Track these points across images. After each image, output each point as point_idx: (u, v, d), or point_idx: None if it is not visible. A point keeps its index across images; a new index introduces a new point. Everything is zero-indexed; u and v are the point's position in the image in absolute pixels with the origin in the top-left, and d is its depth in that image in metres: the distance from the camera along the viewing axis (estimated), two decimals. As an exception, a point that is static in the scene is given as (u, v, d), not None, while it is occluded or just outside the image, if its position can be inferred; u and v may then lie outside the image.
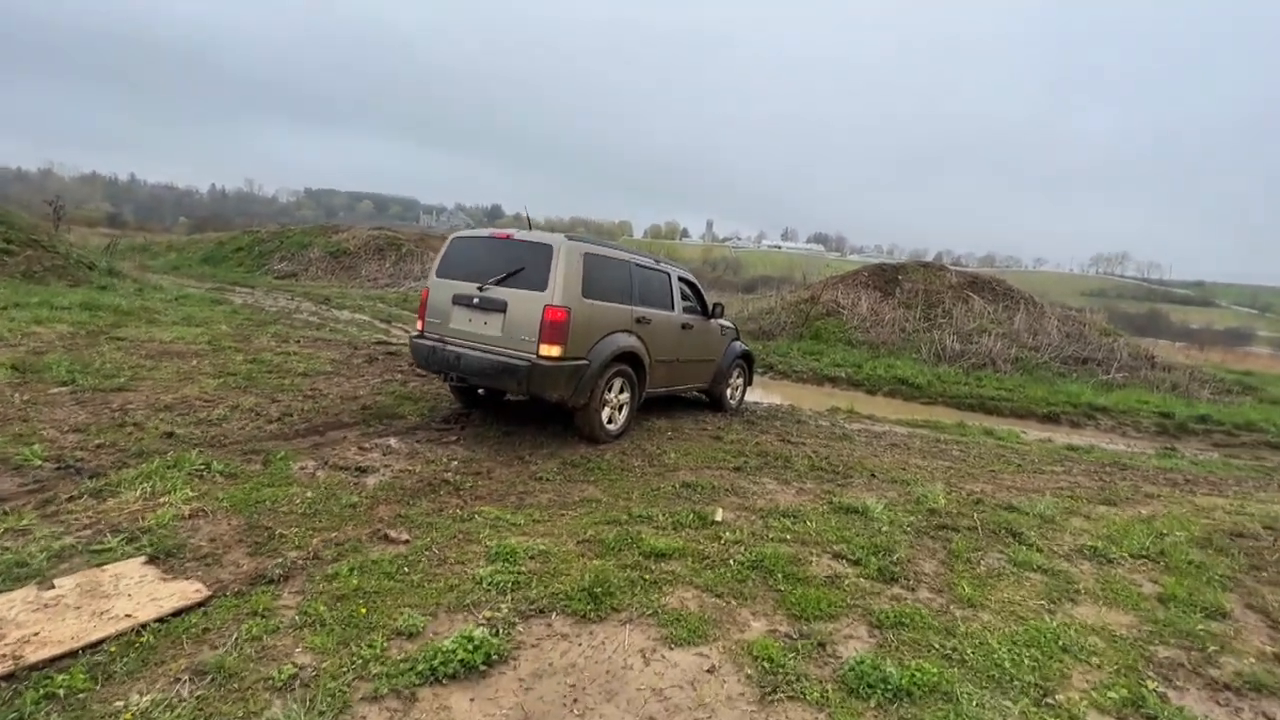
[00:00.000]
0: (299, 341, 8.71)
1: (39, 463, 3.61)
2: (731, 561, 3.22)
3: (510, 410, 5.87)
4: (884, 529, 3.87)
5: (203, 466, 3.74)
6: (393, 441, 4.77)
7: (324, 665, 2.18)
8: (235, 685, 2.04)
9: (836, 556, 3.43)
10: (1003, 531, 4.04)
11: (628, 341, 5.16)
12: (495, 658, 2.30)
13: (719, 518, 3.83)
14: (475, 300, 4.83)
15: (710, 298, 6.93)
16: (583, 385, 4.76)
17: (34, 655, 2.06)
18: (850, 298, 16.46)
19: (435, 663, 2.20)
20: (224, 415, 4.88)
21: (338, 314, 13.76)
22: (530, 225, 5.39)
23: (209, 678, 2.06)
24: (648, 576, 2.98)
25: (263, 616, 2.42)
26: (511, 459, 4.69)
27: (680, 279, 6.23)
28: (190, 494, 3.37)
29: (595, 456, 4.83)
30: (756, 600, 2.92)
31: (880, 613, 2.85)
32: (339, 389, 6.21)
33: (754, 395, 10.12)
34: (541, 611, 2.64)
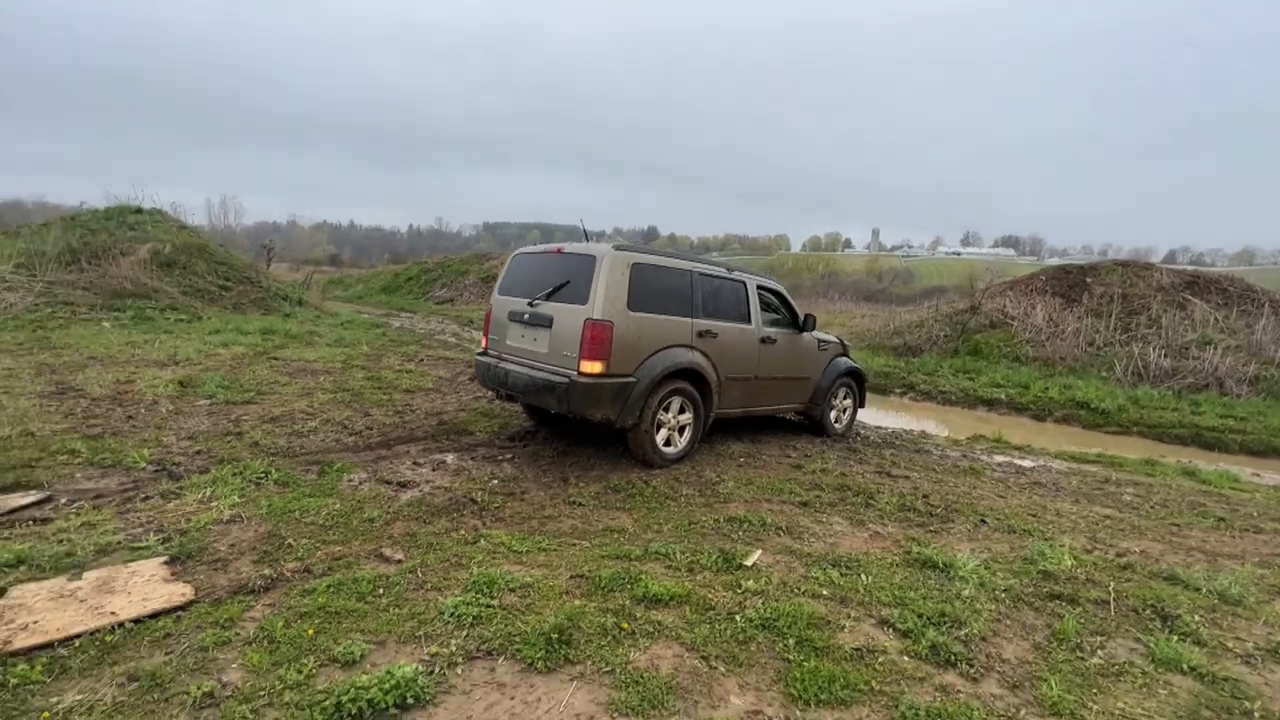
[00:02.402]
0: (422, 360, 9.51)
1: (144, 465, 4.21)
2: (739, 617, 2.75)
3: (576, 430, 5.78)
4: (965, 592, 3.09)
5: (263, 474, 4.09)
6: (449, 457, 4.90)
7: (245, 686, 2.16)
8: (154, 695, 2.09)
9: (881, 623, 2.78)
10: (1148, 610, 3.03)
11: (687, 357, 4.81)
12: (412, 701, 2.13)
13: (750, 561, 3.33)
14: (526, 316, 4.82)
15: (823, 308, 6.30)
16: (630, 405, 4.49)
17: (20, 642, 2.29)
18: (1022, 306, 14.22)
19: (344, 699, 2.08)
20: (314, 427, 5.38)
21: (475, 334, 14.92)
22: (587, 237, 5.29)
23: (137, 684, 2.13)
24: (627, 625, 2.63)
25: (223, 627, 2.49)
26: (554, 480, 4.56)
27: (761, 288, 5.71)
28: (237, 500, 3.69)
29: (643, 482, 4.53)
30: (752, 669, 2.43)
31: (913, 708, 2.22)
32: (429, 405, 6.59)
33: (885, 419, 9.08)
34: (490, 653, 2.43)
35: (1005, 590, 3.16)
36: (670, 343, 4.73)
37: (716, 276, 5.28)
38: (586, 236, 5.31)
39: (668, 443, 4.91)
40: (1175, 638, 2.79)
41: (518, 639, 2.49)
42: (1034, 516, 4.46)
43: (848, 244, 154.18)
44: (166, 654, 2.31)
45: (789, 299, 6.02)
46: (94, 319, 10.48)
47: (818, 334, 6.29)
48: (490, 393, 6.35)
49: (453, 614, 2.64)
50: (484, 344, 5.36)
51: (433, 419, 6.00)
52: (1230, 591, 3.23)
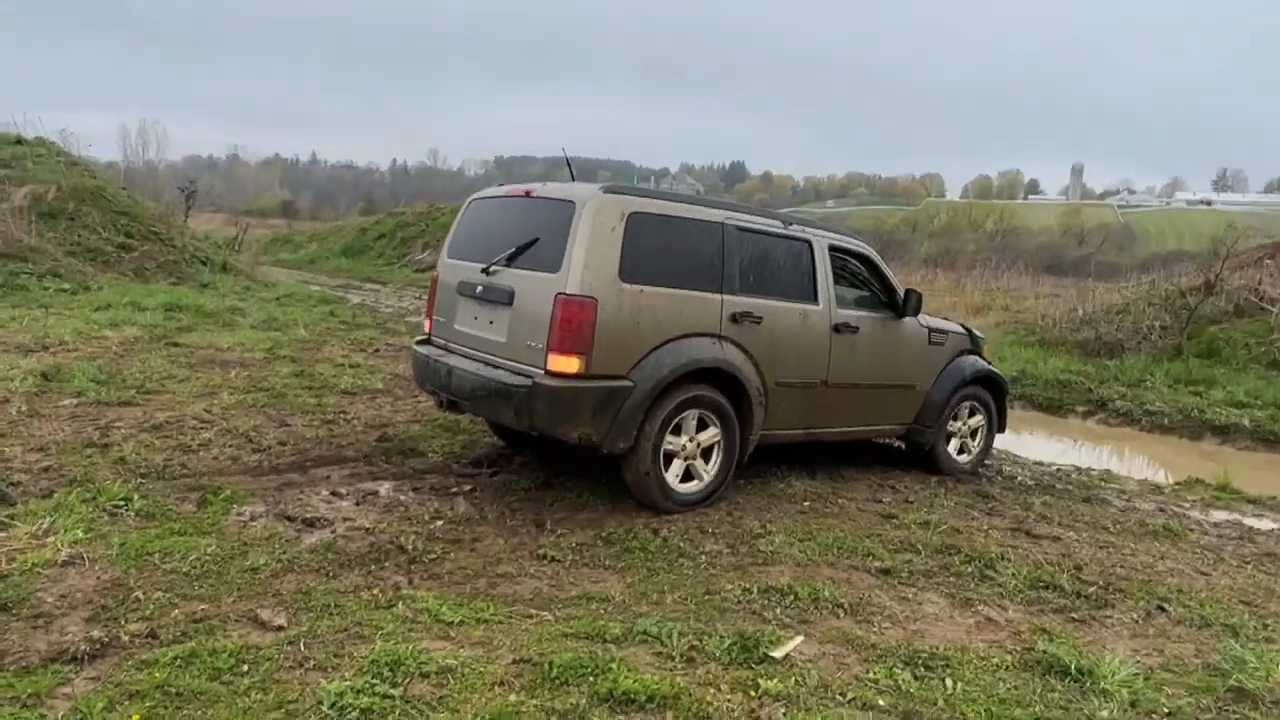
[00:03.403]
0: (377, 351, 9.87)
1: (-29, 484, 4.54)
2: (744, 734, 2.73)
3: (568, 455, 5.78)
4: (1102, 714, 2.97)
5: (123, 502, 4.34)
6: (384, 487, 5.06)
7: (35, 787, 2.31)
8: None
9: (960, 753, 2.71)
10: (1397, 758, 2.83)
11: (712, 352, 4.76)
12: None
13: (783, 651, 3.30)
14: (480, 289, 4.88)
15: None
16: (622, 421, 4.47)
17: None
18: (1290, 283, 13.43)
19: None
20: (207, 440, 5.66)
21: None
22: (573, 174, 5.32)
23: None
24: (575, 738, 2.66)
25: (25, 705, 2.66)
26: (524, 523, 4.65)
27: (835, 250, 5.61)
28: (81, 536, 3.92)
29: (650, 531, 4.55)
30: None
31: None
32: (373, 412, 6.84)
33: (1052, 452, 8.80)
34: (375, 765, 2.51)
35: (1170, 714, 3.02)
36: (687, 330, 4.70)
37: (763, 232, 5.21)
38: (572, 174, 5.34)
39: (686, 476, 4.90)
40: None
41: (417, 747, 2.56)
42: (1247, 605, 4.26)
43: (1033, 187, 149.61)
44: (-63, 746, 2.50)
45: (882, 267, 5.92)
46: (-50, 288, 11.33)
47: (927, 320, 6.16)
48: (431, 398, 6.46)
49: (334, 705, 2.72)
50: (427, 328, 5.48)
51: (373, 433, 6.21)
52: None
